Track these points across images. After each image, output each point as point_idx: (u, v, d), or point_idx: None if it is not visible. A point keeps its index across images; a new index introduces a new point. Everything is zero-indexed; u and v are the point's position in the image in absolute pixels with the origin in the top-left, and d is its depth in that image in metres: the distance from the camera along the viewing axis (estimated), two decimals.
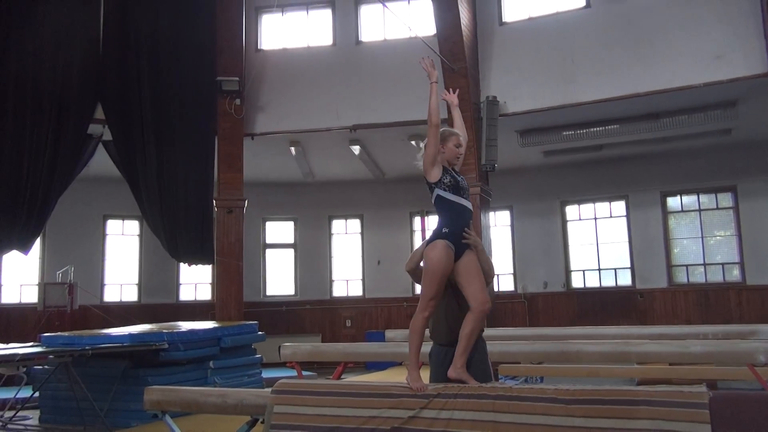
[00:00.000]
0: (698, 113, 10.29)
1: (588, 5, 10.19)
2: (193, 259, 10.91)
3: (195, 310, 13.57)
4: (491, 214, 11.97)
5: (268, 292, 14.84)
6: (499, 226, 13.83)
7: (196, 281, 14.51)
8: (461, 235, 3.79)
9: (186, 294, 14.59)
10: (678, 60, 9.34)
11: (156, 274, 14.10)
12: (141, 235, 14.21)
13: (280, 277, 14.95)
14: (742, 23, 9.05)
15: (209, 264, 11.01)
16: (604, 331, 7.28)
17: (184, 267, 13.59)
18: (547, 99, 10.09)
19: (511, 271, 13.91)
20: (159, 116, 10.63)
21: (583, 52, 9.93)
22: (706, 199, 12.86)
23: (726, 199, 12.67)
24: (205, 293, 14.62)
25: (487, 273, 3.96)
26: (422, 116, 10.63)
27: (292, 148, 12.10)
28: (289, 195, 14.66)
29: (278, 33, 11.83)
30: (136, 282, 14.18)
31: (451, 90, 4.21)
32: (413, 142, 11.74)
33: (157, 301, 13.86)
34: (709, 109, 10.20)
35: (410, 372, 3.79)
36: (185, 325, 9.48)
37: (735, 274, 12.51)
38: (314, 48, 11.53)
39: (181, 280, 14.49)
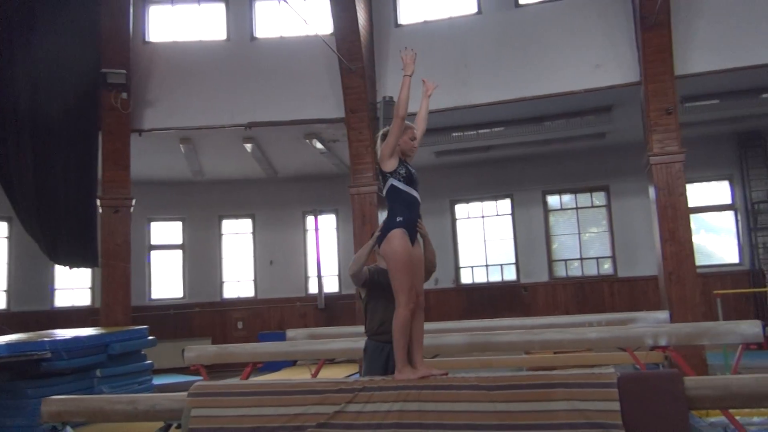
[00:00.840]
0: (578, 117, 11.02)
1: (480, 12, 10.60)
2: (75, 261, 10.22)
3: (72, 317, 12.76)
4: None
5: (154, 296, 14.22)
6: None
7: (73, 286, 13.64)
8: (414, 225, 3.87)
9: (62, 300, 13.66)
10: (562, 67, 9.93)
11: (27, 280, 13.11)
12: (10, 238, 13.16)
13: (167, 280, 14.37)
14: (618, 35, 9.79)
15: (93, 267, 10.37)
16: (498, 323, 7.61)
17: (59, 271, 12.73)
18: (442, 100, 10.33)
19: None
20: (35, 108, 9.84)
21: (476, 56, 10.31)
22: (582, 198, 13.77)
23: (600, 198, 13.65)
24: (83, 299, 13.78)
25: (432, 263, 4.08)
26: (318, 115, 10.80)
27: (182, 146, 11.66)
28: (176, 194, 14.13)
29: (168, 25, 11.35)
30: (5, 288, 13.09)
31: (428, 81, 4.21)
32: (309, 141, 11.70)
33: (29, 308, 12.90)
34: (588, 114, 10.96)
35: (401, 368, 3.74)
36: (66, 333, 8.90)
37: (607, 268, 13.50)
38: (207, 42, 11.16)
39: (56, 285, 13.56)
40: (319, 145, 11.91)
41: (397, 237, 3.77)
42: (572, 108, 10.93)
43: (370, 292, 4.42)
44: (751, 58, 9.25)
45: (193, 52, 11.04)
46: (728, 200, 12.92)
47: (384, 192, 3.95)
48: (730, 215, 12.91)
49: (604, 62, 9.80)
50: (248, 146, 11.74)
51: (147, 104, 10.75)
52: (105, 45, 10.21)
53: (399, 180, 3.87)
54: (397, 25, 10.94)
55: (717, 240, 13.15)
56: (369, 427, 3.55)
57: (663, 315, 6.89)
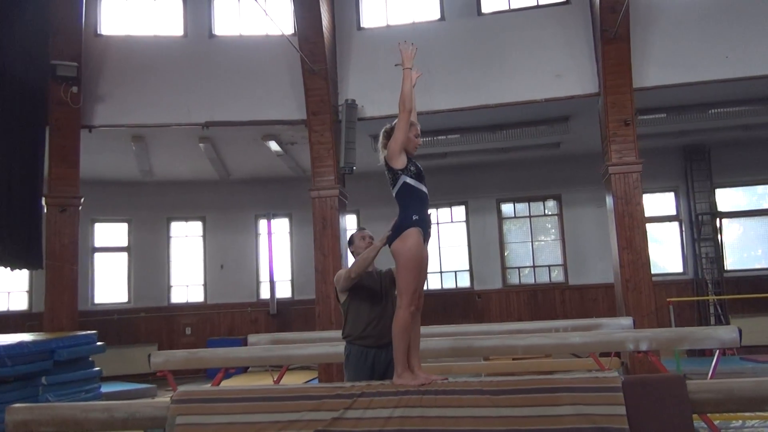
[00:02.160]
0: (537, 126, 11.19)
1: (443, 18, 10.64)
2: (17, 263, 9.62)
3: (8, 323, 12.05)
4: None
5: (97, 300, 13.62)
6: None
7: (8, 289, 12.91)
8: (429, 223, 3.78)
9: None
10: (523, 76, 10.06)
11: None
12: None
13: (110, 283, 13.79)
14: (578, 47, 9.99)
15: (37, 268, 9.79)
16: (465, 329, 7.60)
17: None
18: None
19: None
20: None
21: (439, 62, 10.31)
22: (535, 207, 14.00)
23: (552, 207, 13.90)
24: (19, 303, 13.05)
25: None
26: (278, 116, 10.59)
27: (133, 144, 11.22)
28: (122, 194, 13.60)
29: (122, 18, 10.91)
30: None
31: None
32: (266, 143, 11.46)
33: None
34: (546, 123, 11.14)
35: (401, 373, 3.63)
36: (9, 338, 8.39)
37: (557, 275, 13.75)
38: (163, 38, 10.77)
39: None
40: (275, 147, 11.68)
41: (413, 236, 3.68)
42: (531, 117, 11.09)
43: (352, 295, 4.31)
44: (703, 74, 9.61)
45: (149, 47, 10.64)
46: (673, 211, 13.38)
47: (395, 191, 3.83)
48: (675, 226, 13.36)
49: (564, 73, 9.99)
50: (204, 146, 11.40)
51: (98, 99, 10.29)
52: (55, 35, 9.72)
53: (411, 176, 3.78)
54: (360, 28, 10.85)
55: (661, 250, 13.56)
56: None
57: (626, 321, 7.02)
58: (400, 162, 3.78)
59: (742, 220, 13.40)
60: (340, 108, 10.31)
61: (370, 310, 4.21)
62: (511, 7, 10.53)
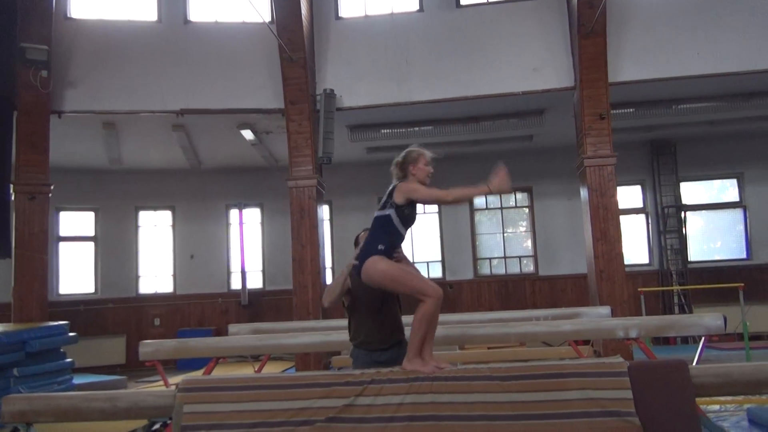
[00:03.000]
0: (512, 119, 11.33)
1: (421, 9, 10.65)
2: None
3: None
4: None
5: (62, 290, 13.29)
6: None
7: None
8: (391, 256, 3.81)
9: None
10: (502, 68, 10.16)
11: None
12: None
13: (76, 273, 13.47)
14: (554, 41, 10.13)
15: (5, 257, 9.51)
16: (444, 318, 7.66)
17: None
18: (382, 96, 10.34)
19: (330, 266, 14.02)
20: None
21: (417, 54, 10.34)
22: (506, 198, 14.15)
23: (523, 199, 14.10)
24: None
25: None
26: (255, 105, 10.47)
27: (104, 131, 10.96)
28: (89, 182, 13.28)
29: (93, 1, 10.61)
30: None
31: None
32: (241, 131, 11.33)
33: None
34: (522, 116, 11.28)
35: (412, 358, 3.67)
36: None
37: (526, 264, 13.97)
38: (136, 23, 10.50)
39: None
40: (250, 136, 11.56)
41: (377, 261, 3.72)
42: (506, 110, 11.22)
43: (351, 305, 4.33)
44: (675, 70, 9.85)
45: (121, 32, 10.37)
46: (640, 204, 13.72)
47: (378, 213, 3.85)
48: (641, 218, 13.70)
49: (541, 66, 10.12)
50: (177, 135, 11.20)
51: (68, 85, 10.00)
52: (24, 18, 9.40)
53: (398, 217, 3.79)
54: (338, 18, 10.78)
55: (628, 241, 13.86)
56: (382, 420, 3.45)
57: (605, 310, 7.19)
58: (402, 199, 3.80)
59: (703, 213, 13.83)
60: (318, 98, 10.25)
61: (371, 320, 4.22)
62: (489, 0, 10.61)
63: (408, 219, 3.85)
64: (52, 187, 9.75)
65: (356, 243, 4.49)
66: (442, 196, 3.81)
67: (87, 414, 3.74)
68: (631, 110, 11.37)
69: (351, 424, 3.47)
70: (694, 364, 4.93)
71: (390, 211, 3.80)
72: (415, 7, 10.73)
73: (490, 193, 3.78)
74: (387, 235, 3.80)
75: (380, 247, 3.76)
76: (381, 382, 3.57)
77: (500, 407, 3.44)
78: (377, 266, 3.71)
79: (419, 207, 3.98)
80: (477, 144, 12.68)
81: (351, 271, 4.02)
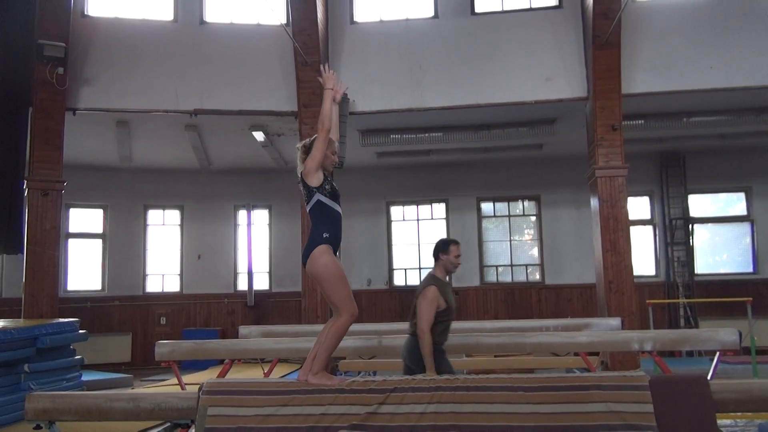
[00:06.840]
0: (523, 128, 11.35)
1: (436, 16, 10.69)
2: None
3: None
4: None
5: (70, 287, 13.32)
6: None
7: None
8: (338, 241, 3.93)
9: None
10: (515, 77, 10.19)
11: None
12: None
13: (84, 270, 13.51)
14: (568, 51, 10.17)
15: (16, 253, 9.53)
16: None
17: None
18: (395, 101, 10.39)
19: None
20: None
21: (431, 60, 10.39)
22: (514, 206, 14.20)
23: (531, 207, 14.12)
24: None
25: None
26: (268, 107, 10.51)
27: (117, 129, 11.00)
28: (99, 179, 13.30)
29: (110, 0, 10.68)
30: None
31: (341, 84, 4.22)
32: (253, 133, 11.37)
33: None
34: (533, 124, 11.31)
35: (318, 372, 3.86)
36: None
37: (532, 272, 13.98)
38: (152, 22, 10.55)
39: None
40: (261, 138, 11.59)
41: (325, 252, 3.82)
42: (517, 118, 11.25)
43: (445, 310, 4.80)
44: (688, 83, 9.89)
45: (137, 30, 10.42)
46: (648, 215, 13.74)
47: (308, 207, 3.96)
48: (649, 230, 13.71)
49: (554, 76, 10.15)
50: (189, 134, 11.24)
51: (84, 82, 10.05)
52: (42, 15, 9.45)
53: (325, 195, 3.89)
54: (353, 22, 10.83)
55: (635, 253, 13.85)
56: (404, 429, 3.49)
57: (615, 321, 7.19)
58: (316, 179, 3.90)
59: (710, 225, 13.83)
60: None
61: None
62: (504, 9, 10.65)
63: (334, 193, 3.97)
64: (65, 184, 9.79)
65: (445, 250, 4.58)
66: (320, 135, 3.91)
67: (110, 414, 3.78)
68: (641, 122, 11.39)
69: None
70: (708, 378, 4.96)
71: (317, 196, 3.90)
72: (430, 13, 10.77)
73: (334, 93, 4.04)
74: (328, 219, 3.89)
75: (325, 234, 3.85)
76: (404, 390, 3.60)
77: (522, 418, 3.47)
78: (322, 258, 3.82)
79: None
80: (486, 151, 12.72)
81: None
